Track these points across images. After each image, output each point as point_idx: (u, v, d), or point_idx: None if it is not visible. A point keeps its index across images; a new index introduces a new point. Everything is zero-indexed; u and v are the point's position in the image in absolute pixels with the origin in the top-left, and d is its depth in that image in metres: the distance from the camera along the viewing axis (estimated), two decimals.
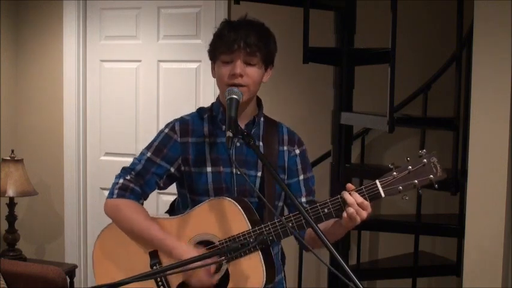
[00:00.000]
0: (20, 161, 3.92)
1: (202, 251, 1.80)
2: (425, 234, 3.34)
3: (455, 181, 2.76)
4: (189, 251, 1.78)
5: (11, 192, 3.83)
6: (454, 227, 3.07)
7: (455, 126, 2.81)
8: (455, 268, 3.18)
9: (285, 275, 2.05)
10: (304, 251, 3.46)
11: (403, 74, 3.07)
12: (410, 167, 1.66)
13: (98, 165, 4.19)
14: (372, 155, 3.67)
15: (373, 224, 3.31)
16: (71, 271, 3.87)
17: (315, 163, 3.47)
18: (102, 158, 4.18)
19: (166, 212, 2.09)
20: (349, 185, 1.72)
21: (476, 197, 2.50)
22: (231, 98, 1.77)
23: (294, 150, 1.99)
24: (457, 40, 2.78)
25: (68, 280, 3.68)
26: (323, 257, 1.63)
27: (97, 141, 4.20)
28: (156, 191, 1.99)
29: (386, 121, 2.68)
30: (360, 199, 1.68)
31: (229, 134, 1.66)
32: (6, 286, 3.32)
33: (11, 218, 3.92)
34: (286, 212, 2.02)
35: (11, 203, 3.90)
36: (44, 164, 4.25)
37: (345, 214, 1.69)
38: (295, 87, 3.80)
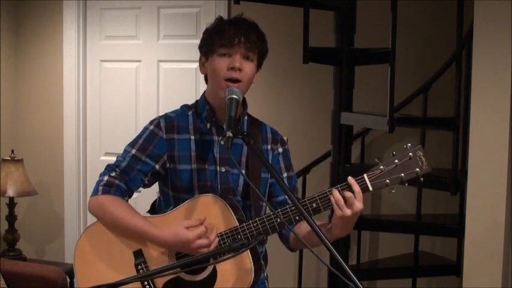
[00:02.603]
0: (20, 161, 3.92)
1: (185, 224, 1.77)
2: (425, 234, 3.34)
3: (455, 181, 2.76)
4: (172, 236, 1.77)
5: (11, 192, 3.83)
6: (454, 227, 3.07)
7: (455, 126, 2.81)
8: (455, 268, 3.18)
9: (267, 275, 2.04)
10: (304, 250, 3.47)
11: (403, 74, 3.07)
12: (396, 160, 1.69)
13: (98, 165, 4.19)
14: (372, 155, 3.67)
15: (373, 224, 3.32)
16: (71, 271, 3.86)
17: (315, 163, 3.48)
18: (102, 158, 4.18)
19: (147, 212, 2.05)
20: (350, 179, 1.71)
21: (476, 197, 2.50)
22: (231, 98, 1.76)
23: (277, 148, 1.99)
24: (457, 40, 2.78)
25: (68, 280, 3.68)
26: (323, 257, 1.63)
27: (97, 141, 4.21)
28: (155, 192, 1.98)
29: (386, 121, 2.67)
30: (349, 194, 1.67)
31: (229, 133, 1.65)
32: (6, 286, 3.32)
33: (11, 218, 3.92)
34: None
35: (11, 203, 3.90)
36: (44, 164, 4.25)
37: (336, 213, 1.70)
38: (295, 87, 3.80)
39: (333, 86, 3.16)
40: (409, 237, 3.30)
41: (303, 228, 1.85)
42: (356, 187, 1.68)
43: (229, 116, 1.71)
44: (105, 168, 1.94)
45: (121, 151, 1.96)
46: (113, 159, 1.97)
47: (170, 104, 4.01)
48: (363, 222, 3.28)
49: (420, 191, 3.30)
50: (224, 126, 1.72)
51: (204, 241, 1.75)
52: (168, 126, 1.92)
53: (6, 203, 3.91)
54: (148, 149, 1.90)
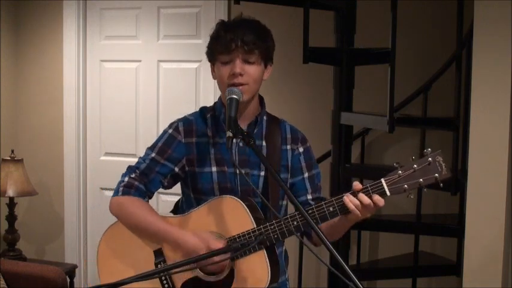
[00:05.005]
0: (20, 161, 3.92)
1: (208, 235, 1.80)
2: (425, 234, 3.34)
3: (455, 181, 2.76)
4: (194, 238, 1.80)
5: (11, 192, 3.83)
6: (454, 227, 3.07)
7: (455, 126, 2.81)
8: (455, 268, 3.18)
9: (288, 277, 2.05)
10: (304, 250, 3.47)
11: (403, 74, 3.07)
12: (415, 165, 1.67)
13: (98, 165, 4.19)
14: (372, 155, 3.67)
15: (373, 224, 3.32)
16: (71, 271, 3.87)
17: None
18: (102, 158, 4.18)
19: (170, 212, 2.10)
20: (356, 184, 1.71)
21: (476, 197, 2.50)
22: (231, 98, 1.77)
23: (297, 148, 1.99)
24: (457, 40, 2.78)
25: (68, 280, 3.68)
26: (323, 257, 1.63)
27: (97, 141, 4.20)
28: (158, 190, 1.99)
29: (386, 121, 2.68)
30: (367, 201, 1.68)
31: (229, 134, 1.66)
32: (6, 286, 3.32)
33: (11, 218, 3.92)
34: (292, 210, 2.02)
35: (11, 203, 3.90)
36: (44, 164, 4.25)
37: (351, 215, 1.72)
38: (295, 87, 3.80)
39: (333, 86, 3.16)
40: (409, 237, 3.30)
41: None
42: (366, 200, 1.68)
43: (229, 116, 1.72)
44: (126, 169, 1.97)
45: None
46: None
47: (170, 104, 4.05)
48: (363, 222, 3.29)
49: (420, 191, 3.30)
50: (239, 128, 1.72)
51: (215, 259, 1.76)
52: (186, 130, 1.94)
53: (6, 203, 3.90)
54: (167, 153, 1.92)
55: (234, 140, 1.86)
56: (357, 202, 1.69)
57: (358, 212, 1.70)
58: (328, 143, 3.28)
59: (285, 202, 1.98)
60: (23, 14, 4.25)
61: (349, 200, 1.69)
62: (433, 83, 3.20)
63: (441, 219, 3.39)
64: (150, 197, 1.97)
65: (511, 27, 2.39)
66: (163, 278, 1.87)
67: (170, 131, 1.95)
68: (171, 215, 2.00)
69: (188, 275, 1.85)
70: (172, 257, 1.87)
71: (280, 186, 1.74)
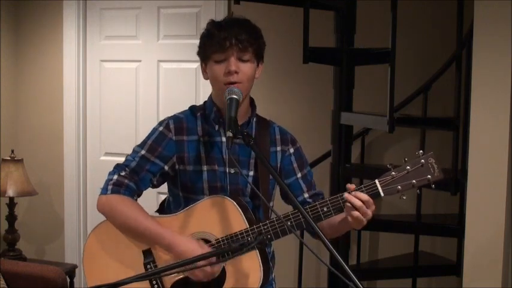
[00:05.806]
0: (20, 161, 3.92)
1: (201, 244, 1.79)
2: (425, 234, 3.34)
3: (455, 181, 2.76)
4: (188, 244, 1.78)
5: (11, 192, 3.83)
6: (454, 227, 3.07)
7: (455, 126, 2.81)
8: (455, 268, 3.18)
9: (274, 276, 2.05)
10: (304, 250, 3.47)
11: (403, 74, 3.07)
12: (408, 167, 1.69)
13: (98, 165, 4.19)
14: (372, 155, 3.67)
15: (373, 224, 3.30)
16: (71, 271, 3.87)
17: (315, 163, 3.47)
18: (102, 158, 4.18)
19: (156, 211, 2.06)
20: (350, 185, 1.72)
21: (476, 197, 2.50)
22: (231, 98, 1.76)
23: (288, 149, 1.99)
24: (457, 40, 2.78)
25: (68, 280, 3.68)
26: (323, 257, 1.64)
27: (97, 141, 4.21)
28: (155, 190, 1.98)
29: (386, 121, 2.68)
30: (366, 197, 1.69)
31: (230, 133, 1.66)
32: (6, 286, 3.32)
33: (11, 218, 3.92)
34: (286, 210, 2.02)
35: (11, 203, 3.90)
36: (44, 164, 4.25)
37: (349, 218, 1.72)
38: (295, 87, 3.80)
39: (333, 86, 3.16)
40: (409, 237, 3.30)
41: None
42: (364, 196, 1.69)
43: (229, 116, 1.71)
44: (114, 168, 1.93)
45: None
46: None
47: (170, 104, 4.04)
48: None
49: (420, 191, 3.30)
50: (241, 129, 1.71)
51: (208, 269, 1.76)
52: (177, 127, 1.92)
53: (6, 203, 3.90)
54: (158, 150, 1.90)
55: (224, 140, 1.87)
56: (360, 203, 1.69)
57: (358, 214, 1.69)
58: (328, 143, 3.28)
59: (272, 203, 1.98)
60: (23, 14, 4.25)
61: (347, 195, 1.70)
62: (433, 83, 3.20)
63: (441, 219, 3.39)
64: (139, 196, 1.94)
65: (511, 27, 2.39)
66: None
67: (160, 128, 1.93)
68: (157, 214, 1.98)
69: (178, 275, 1.83)
70: (162, 257, 1.85)
71: (281, 186, 1.73)
